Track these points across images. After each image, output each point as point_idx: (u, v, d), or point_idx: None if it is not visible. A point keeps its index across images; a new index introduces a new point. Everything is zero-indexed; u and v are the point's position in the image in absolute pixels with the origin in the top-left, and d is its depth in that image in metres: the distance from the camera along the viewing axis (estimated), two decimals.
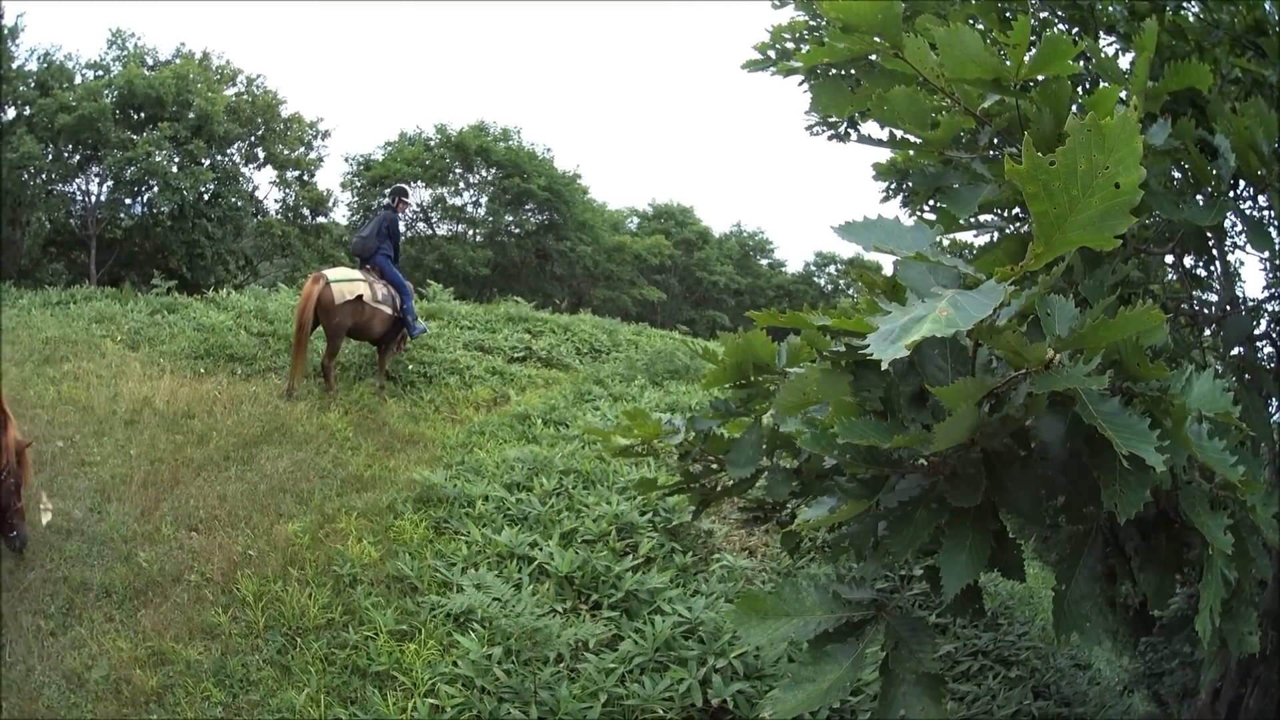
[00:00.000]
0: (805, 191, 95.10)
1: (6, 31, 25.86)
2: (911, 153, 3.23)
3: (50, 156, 25.39)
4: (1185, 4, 3.84)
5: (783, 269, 53.16)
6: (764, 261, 52.37)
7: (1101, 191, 1.67)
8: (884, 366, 1.70)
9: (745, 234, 52.40)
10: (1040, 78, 2.71)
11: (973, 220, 3.08)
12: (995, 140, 3.02)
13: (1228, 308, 3.26)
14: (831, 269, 54.17)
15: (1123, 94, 2.77)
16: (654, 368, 14.22)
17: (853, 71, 4.60)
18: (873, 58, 2.79)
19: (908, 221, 2.20)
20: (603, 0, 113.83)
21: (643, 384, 13.34)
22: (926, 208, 6.41)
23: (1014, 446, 2.37)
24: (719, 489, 3.85)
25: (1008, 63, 2.65)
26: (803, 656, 2.56)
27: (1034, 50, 2.61)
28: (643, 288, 42.00)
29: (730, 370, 3.29)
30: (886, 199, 7.23)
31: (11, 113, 25.85)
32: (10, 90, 25.49)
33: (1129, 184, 1.66)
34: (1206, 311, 3.51)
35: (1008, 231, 3.05)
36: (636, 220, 49.40)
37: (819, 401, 2.64)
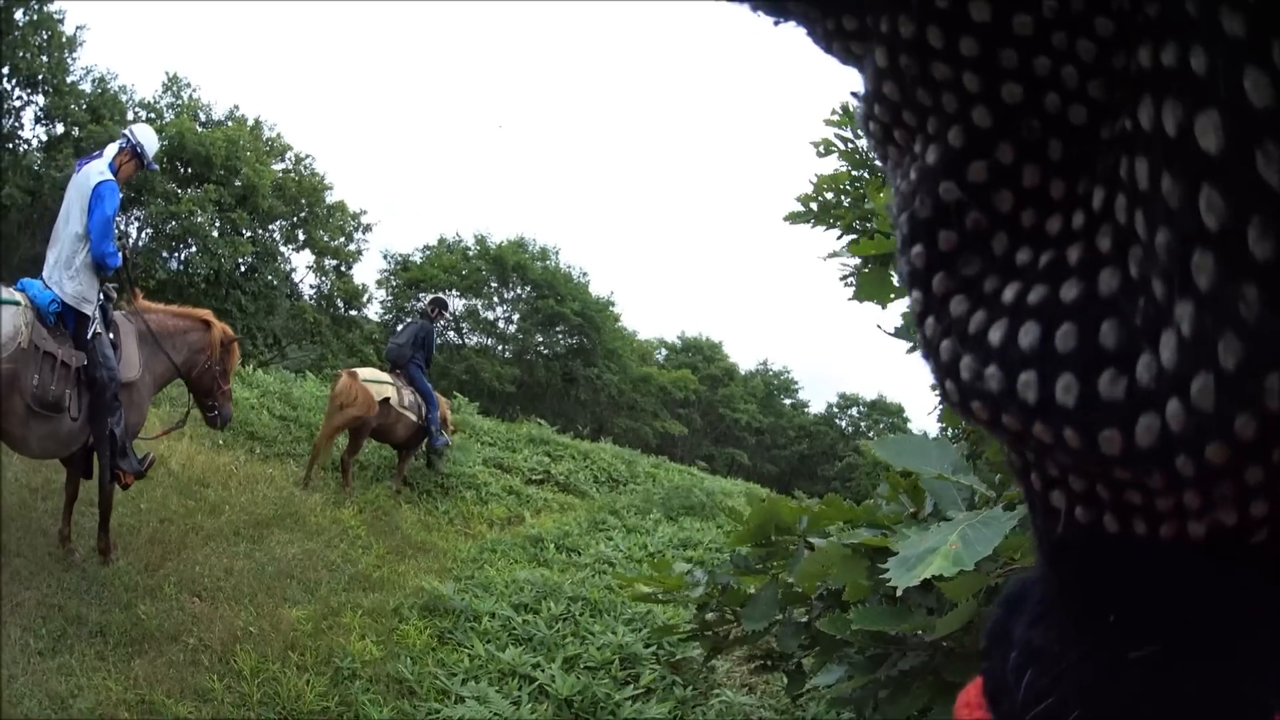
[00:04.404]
0: (833, 331, 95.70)
1: (65, 40, 26.60)
2: None
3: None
4: None
5: (806, 409, 53.74)
6: (787, 401, 52.91)
7: None
8: (899, 593, 2.02)
9: (771, 372, 53.21)
10: None
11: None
12: None
13: None
14: (854, 411, 54.67)
15: None
16: (670, 502, 14.16)
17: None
18: None
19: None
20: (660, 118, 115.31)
21: (658, 518, 13.26)
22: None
23: None
24: (731, 637, 3.99)
25: None
26: None
27: None
28: (665, 420, 42.10)
29: (754, 530, 3.52)
30: (912, 350, 7.36)
31: (60, 128, 26.39)
32: (62, 105, 26.06)
33: None
34: None
35: None
36: (664, 352, 49.94)
37: (837, 578, 2.90)
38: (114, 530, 7.57)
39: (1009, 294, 0.39)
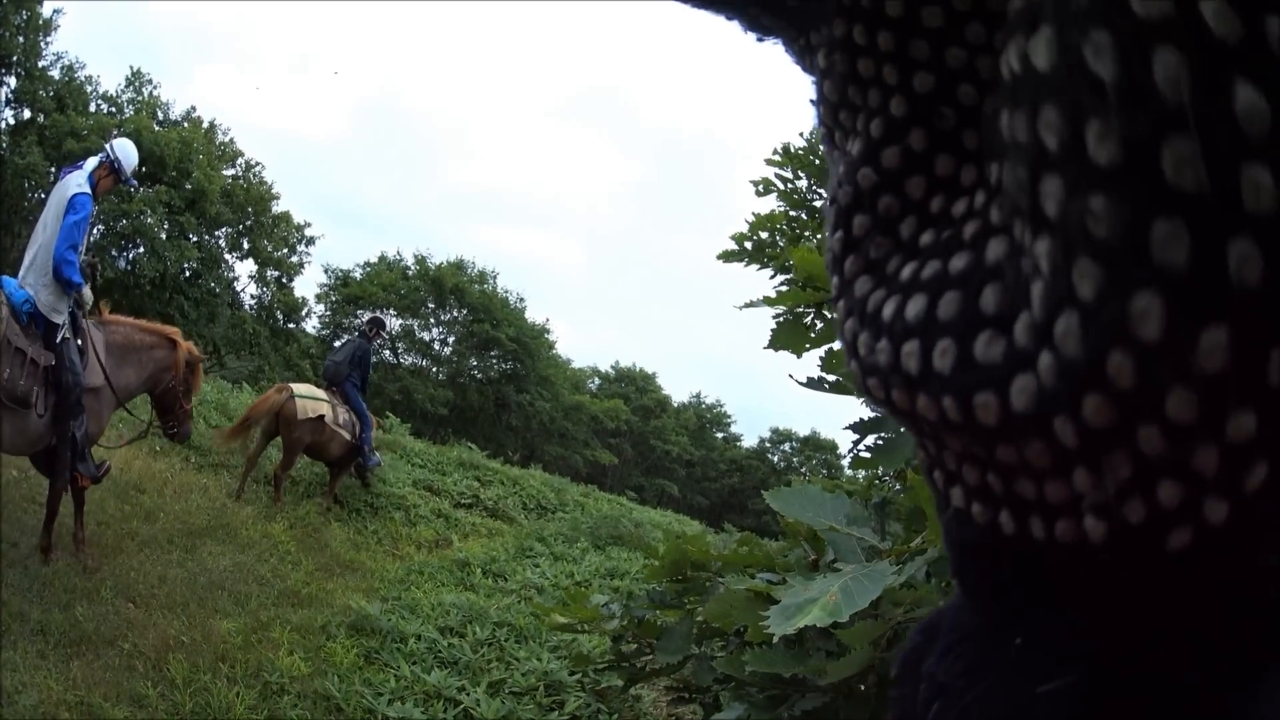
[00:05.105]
0: (767, 366, 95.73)
1: (42, 22, 26.28)
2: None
3: (52, 178, 25.62)
4: None
5: (738, 443, 53.57)
6: (719, 434, 52.75)
7: None
8: (775, 640, 2.05)
9: (704, 405, 53.15)
10: None
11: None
12: None
13: None
14: (786, 446, 54.47)
15: None
16: (598, 531, 14.24)
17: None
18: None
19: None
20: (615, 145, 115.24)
21: (585, 546, 13.35)
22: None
23: None
24: (648, 669, 4.05)
25: None
26: None
27: None
28: (596, 450, 42.06)
29: (668, 568, 3.60)
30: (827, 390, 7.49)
31: (27, 113, 26.02)
32: (31, 89, 25.70)
33: None
34: None
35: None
36: (597, 381, 49.78)
37: (739, 619, 2.87)
38: (54, 531, 7.63)
39: (906, 271, 0.38)
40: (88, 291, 7.21)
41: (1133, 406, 0.29)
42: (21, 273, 7.00)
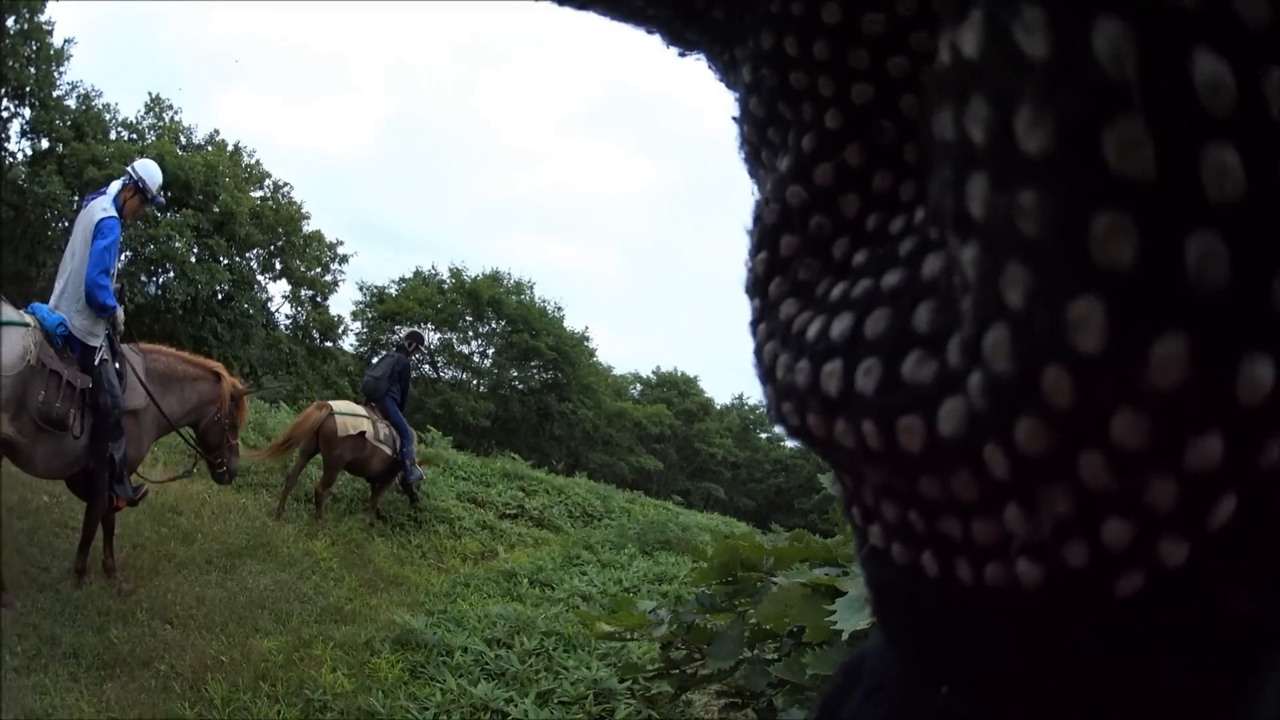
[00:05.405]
0: None
1: (53, 53, 26.53)
2: None
3: (75, 206, 26.00)
4: None
5: (782, 443, 53.50)
6: (764, 435, 52.73)
7: None
8: (844, 637, 1.92)
9: (747, 406, 53.00)
10: None
11: None
12: None
13: None
14: None
15: None
16: (645, 537, 14.18)
17: None
18: None
19: None
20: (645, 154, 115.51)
21: (633, 553, 13.25)
22: None
23: None
24: (698, 675, 3.93)
25: None
26: None
27: None
28: (640, 455, 41.98)
29: (718, 569, 3.56)
30: None
31: (45, 144, 26.28)
32: (48, 119, 25.93)
33: None
34: None
35: None
36: (639, 387, 49.84)
37: (796, 618, 2.80)
38: (88, 555, 7.57)
39: (836, 292, 0.36)
40: (120, 313, 7.16)
41: (1072, 430, 0.26)
42: (53, 301, 6.99)
